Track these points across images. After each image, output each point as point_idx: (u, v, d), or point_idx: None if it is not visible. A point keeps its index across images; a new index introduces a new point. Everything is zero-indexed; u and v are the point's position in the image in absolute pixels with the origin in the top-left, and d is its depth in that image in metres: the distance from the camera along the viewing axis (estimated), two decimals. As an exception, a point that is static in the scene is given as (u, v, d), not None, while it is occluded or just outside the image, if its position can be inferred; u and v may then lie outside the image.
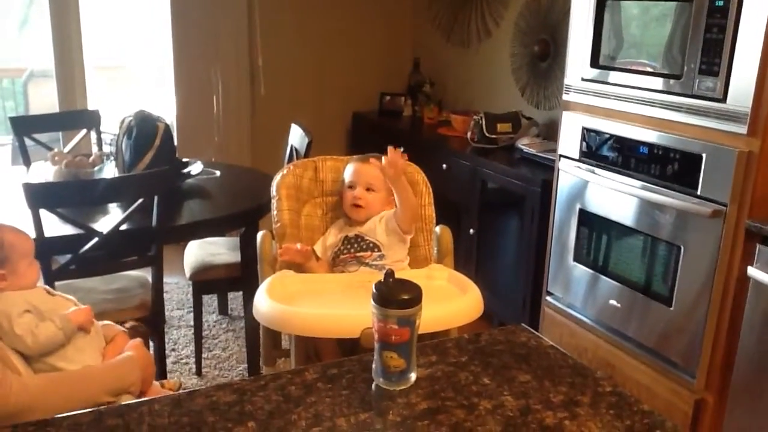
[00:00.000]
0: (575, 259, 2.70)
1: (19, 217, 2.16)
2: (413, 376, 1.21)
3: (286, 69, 4.34)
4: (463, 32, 4.24)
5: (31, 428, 1.07)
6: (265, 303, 1.70)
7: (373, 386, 1.20)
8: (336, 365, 1.27)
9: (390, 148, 1.87)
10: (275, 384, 1.20)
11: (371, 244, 1.97)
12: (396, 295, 1.16)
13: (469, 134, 3.58)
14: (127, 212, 2.27)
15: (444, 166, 3.54)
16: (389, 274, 1.20)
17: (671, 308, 2.31)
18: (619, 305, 2.52)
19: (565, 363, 1.31)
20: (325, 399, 1.16)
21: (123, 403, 1.18)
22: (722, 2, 2.03)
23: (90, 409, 1.11)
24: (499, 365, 1.29)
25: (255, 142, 4.30)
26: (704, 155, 2.14)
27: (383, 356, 1.18)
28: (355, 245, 1.97)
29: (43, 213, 2.12)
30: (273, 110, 4.27)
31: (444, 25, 4.41)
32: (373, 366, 1.21)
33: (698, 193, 2.17)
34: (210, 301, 3.51)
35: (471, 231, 3.42)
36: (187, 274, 2.90)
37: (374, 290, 1.17)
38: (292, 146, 3.12)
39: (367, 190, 2.01)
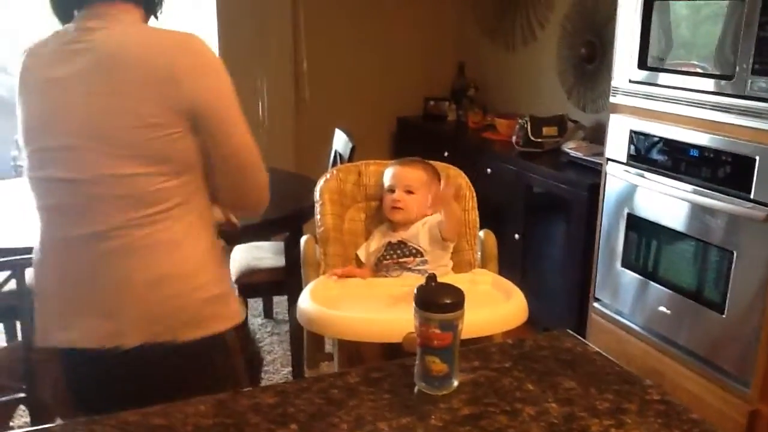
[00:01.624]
0: (623, 265, 2.65)
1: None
2: (455, 381, 1.20)
3: (330, 74, 4.37)
4: (508, 35, 4.21)
5: (80, 427, 1.09)
6: (308, 306, 1.71)
7: (415, 390, 1.19)
8: (378, 369, 1.27)
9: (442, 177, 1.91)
10: (317, 387, 1.21)
11: (414, 250, 1.96)
12: (438, 299, 1.15)
13: (514, 138, 3.55)
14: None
15: (489, 170, 3.52)
16: (431, 277, 1.19)
17: (723, 315, 2.24)
18: (669, 312, 2.46)
19: (611, 370, 1.28)
20: (367, 402, 1.16)
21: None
22: (777, -1, 1.97)
23: (136, 410, 1.13)
24: (544, 371, 1.27)
25: (299, 146, 4.34)
26: (757, 158, 2.08)
27: (425, 360, 1.17)
28: (398, 251, 1.97)
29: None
30: (317, 115, 4.30)
31: (488, 28, 4.39)
32: (415, 370, 1.20)
33: (751, 196, 2.11)
34: (255, 304, 3.54)
35: (516, 236, 3.38)
36: (233, 277, 2.93)
37: (416, 294, 1.17)
38: (336, 151, 3.13)
39: (407, 192, 2.01)
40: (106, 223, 1.29)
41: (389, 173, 2.05)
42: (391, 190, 2.02)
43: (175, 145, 1.29)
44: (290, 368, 2.97)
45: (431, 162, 2.10)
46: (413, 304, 1.17)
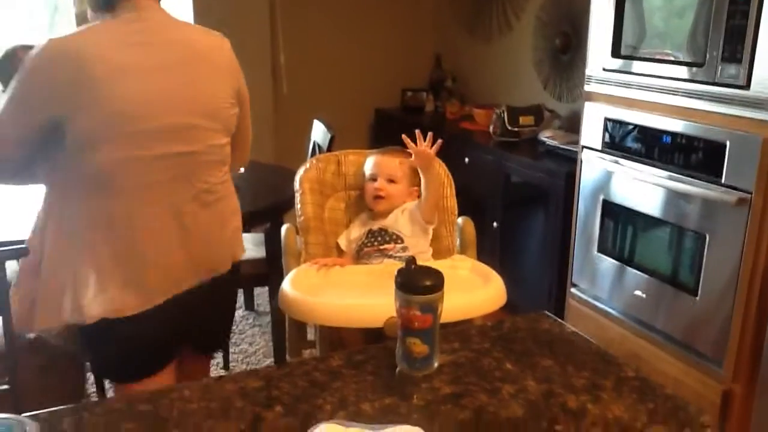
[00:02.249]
0: (600, 251, 2.70)
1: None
2: (436, 362, 1.22)
3: (308, 66, 4.37)
4: (485, 27, 4.24)
5: (67, 412, 1.10)
6: (290, 294, 1.73)
7: (397, 372, 1.22)
8: (361, 352, 1.29)
9: (419, 136, 1.89)
10: (301, 370, 1.23)
11: (394, 236, 1.98)
12: (418, 282, 1.18)
13: (491, 128, 3.58)
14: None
15: (467, 160, 3.55)
16: (411, 260, 1.22)
17: (697, 298, 2.30)
18: (645, 296, 2.51)
19: (587, 349, 1.32)
20: (350, 384, 1.18)
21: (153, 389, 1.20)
22: (744, -12, 2.01)
23: (122, 395, 1.14)
24: (522, 351, 1.30)
25: (278, 138, 4.34)
26: (728, 143, 2.13)
27: (406, 342, 1.20)
28: (379, 238, 1.99)
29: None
30: (295, 107, 4.31)
31: (465, 19, 4.41)
32: (397, 352, 1.22)
33: (723, 181, 2.16)
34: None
35: (495, 224, 3.42)
36: (214, 269, 2.94)
37: (397, 276, 1.19)
38: (314, 142, 3.14)
39: (389, 181, 2.02)
40: (207, 182, 1.64)
41: (371, 162, 2.07)
42: (373, 179, 2.04)
43: (235, 120, 1.71)
44: (272, 359, 2.98)
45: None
46: (394, 288, 1.19)
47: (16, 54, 2.00)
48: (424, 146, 1.89)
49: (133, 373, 1.63)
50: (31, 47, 1.52)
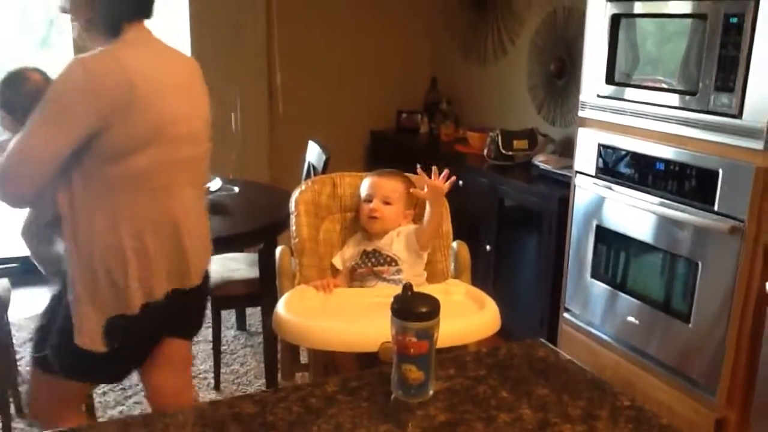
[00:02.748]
0: (593, 276, 2.70)
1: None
2: (432, 389, 1.22)
3: (304, 87, 4.39)
4: (480, 50, 4.27)
5: (58, 437, 1.09)
6: (284, 317, 1.72)
7: (392, 398, 1.21)
8: (356, 378, 1.29)
9: (435, 171, 1.94)
10: (296, 395, 1.22)
11: (389, 259, 1.98)
12: (415, 308, 1.18)
13: (485, 151, 3.60)
14: (149, 228, 2.30)
15: (461, 183, 3.54)
16: (407, 287, 1.22)
17: (690, 325, 2.30)
18: (638, 322, 2.51)
19: (583, 377, 1.32)
20: (345, 411, 1.17)
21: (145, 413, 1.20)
22: (736, 19, 2.04)
23: (116, 419, 1.13)
24: (518, 379, 1.30)
25: (273, 159, 4.34)
26: (721, 171, 2.15)
27: (402, 369, 1.19)
28: (373, 259, 1.99)
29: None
30: (291, 128, 4.32)
31: (461, 43, 4.45)
32: (392, 378, 1.22)
33: (715, 209, 2.17)
34: (228, 316, 3.53)
35: (488, 247, 3.43)
36: (206, 289, 2.92)
37: (393, 303, 1.19)
38: (309, 163, 3.15)
39: (384, 203, 2.03)
40: (203, 182, 1.88)
41: (366, 183, 2.08)
42: (369, 200, 2.05)
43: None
44: (263, 380, 2.96)
45: (408, 174, 2.13)
46: (390, 314, 1.19)
47: (28, 77, 2.01)
48: (439, 180, 1.90)
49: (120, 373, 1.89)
50: (39, 70, 1.64)
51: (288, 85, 4.34)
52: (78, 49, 3.88)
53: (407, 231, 2.02)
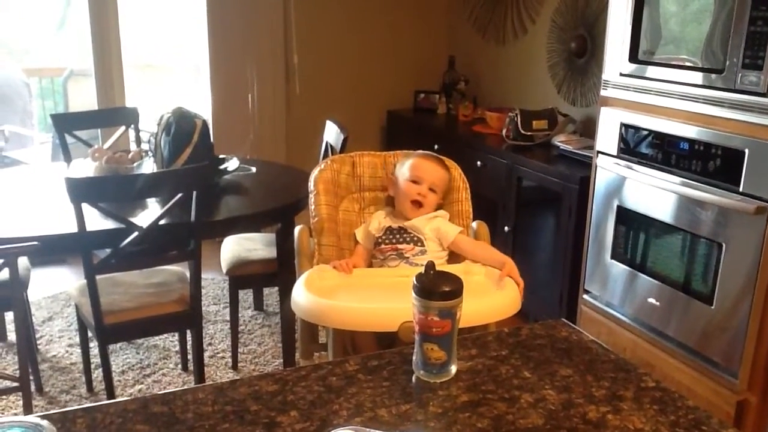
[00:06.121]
0: (613, 257, 2.67)
1: (62, 212, 2.21)
2: (454, 369, 1.21)
3: (321, 67, 4.36)
4: (499, 29, 4.22)
5: (80, 413, 1.09)
6: (303, 296, 1.71)
7: (414, 378, 1.20)
8: (376, 357, 1.28)
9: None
10: (316, 375, 1.21)
11: (415, 238, 1.96)
12: (438, 287, 1.16)
13: (504, 131, 3.56)
14: (166, 207, 2.30)
15: (479, 163, 3.53)
16: (430, 266, 1.20)
17: (712, 307, 2.27)
18: (658, 303, 2.49)
19: (607, 358, 1.30)
20: (366, 390, 1.16)
21: (168, 391, 1.19)
22: (768, -7, 1.99)
23: (135, 398, 1.13)
24: (540, 359, 1.28)
25: (290, 138, 4.33)
26: (747, 151, 2.10)
27: (424, 348, 1.18)
28: (398, 236, 1.97)
29: (85, 207, 2.16)
30: (308, 108, 4.30)
31: (479, 22, 4.39)
32: (414, 358, 1.21)
33: (741, 189, 2.13)
34: (246, 296, 3.54)
35: (506, 228, 3.40)
36: (224, 269, 2.93)
37: (415, 282, 1.17)
38: (327, 143, 3.13)
39: (430, 190, 2.01)
40: None
41: (416, 164, 2.04)
42: (416, 182, 2.01)
43: None
44: (281, 360, 2.97)
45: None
46: (411, 293, 1.17)
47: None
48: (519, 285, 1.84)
49: None
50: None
51: (305, 66, 4.31)
52: (94, 29, 3.88)
53: (441, 222, 2.00)
